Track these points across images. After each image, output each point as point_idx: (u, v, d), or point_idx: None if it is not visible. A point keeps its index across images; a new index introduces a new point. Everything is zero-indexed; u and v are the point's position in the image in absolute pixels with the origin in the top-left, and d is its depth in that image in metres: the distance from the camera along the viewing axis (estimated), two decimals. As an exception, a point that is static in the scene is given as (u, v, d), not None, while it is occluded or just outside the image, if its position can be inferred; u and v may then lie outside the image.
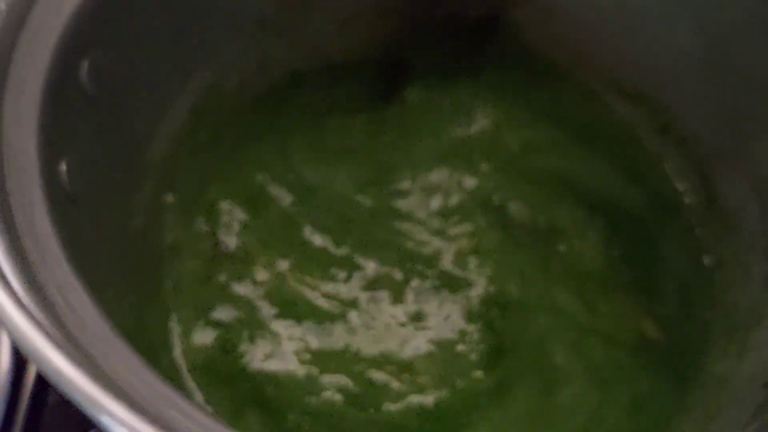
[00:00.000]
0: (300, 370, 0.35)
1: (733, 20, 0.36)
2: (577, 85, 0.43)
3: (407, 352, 0.36)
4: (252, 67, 0.41)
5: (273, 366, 0.35)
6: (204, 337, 0.36)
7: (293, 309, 0.37)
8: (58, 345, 0.20)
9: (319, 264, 0.38)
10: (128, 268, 0.35)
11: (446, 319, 0.37)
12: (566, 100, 0.43)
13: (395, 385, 0.35)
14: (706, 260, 0.40)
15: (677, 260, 0.40)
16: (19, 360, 0.39)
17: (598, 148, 0.42)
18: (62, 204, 0.27)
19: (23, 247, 0.24)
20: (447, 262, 0.39)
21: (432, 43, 0.44)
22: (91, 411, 0.19)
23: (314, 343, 0.36)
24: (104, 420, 0.19)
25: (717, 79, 0.38)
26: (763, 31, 0.35)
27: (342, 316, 0.37)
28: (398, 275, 0.38)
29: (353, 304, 0.37)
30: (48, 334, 0.20)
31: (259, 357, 0.36)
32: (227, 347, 0.36)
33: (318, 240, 0.39)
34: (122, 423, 0.19)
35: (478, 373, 0.36)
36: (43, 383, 0.39)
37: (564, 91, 0.43)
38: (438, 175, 0.41)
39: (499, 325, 0.37)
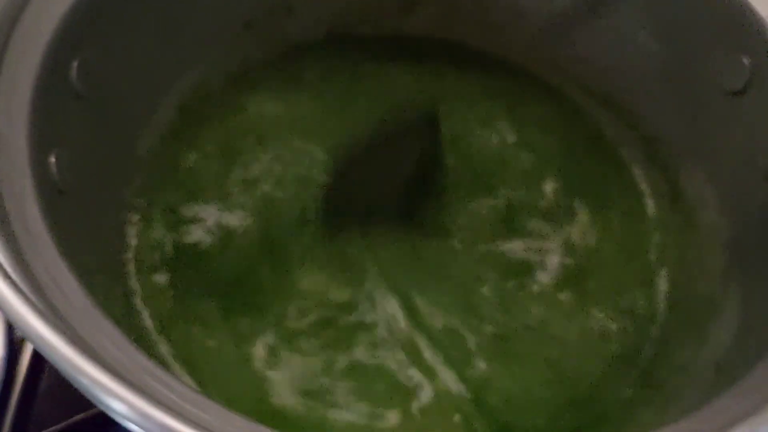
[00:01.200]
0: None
1: (690, 23, 0.37)
2: (544, 87, 0.45)
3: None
4: (237, 67, 0.43)
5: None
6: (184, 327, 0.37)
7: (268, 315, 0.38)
8: (45, 317, 0.22)
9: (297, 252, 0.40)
10: (114, 259, 0.37)
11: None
12: (533, 102, 0.45)
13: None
14: (669, 255, 0.41)
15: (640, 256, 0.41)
16: (13, 349, 0.40)
17: (564, 148, 0.44)
18: (51, 194, 0.29)
19: (13, 231, 0.26)
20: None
21: (412, 50, 0.46)
22: (71, 374, 0.21)
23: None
24: (83, 382, 0.21)
25: (678, 80, 0.39)
26: (719, 32, 0.36)
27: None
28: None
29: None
30: (35, 308, 0.22)
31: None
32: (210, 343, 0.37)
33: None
34: (101, 386, 0.21)
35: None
36: (35, 371, 0.41)
37: (531, 93, 0.45)
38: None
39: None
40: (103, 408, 0.22)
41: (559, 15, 0.42)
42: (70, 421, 0.39)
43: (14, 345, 0.40)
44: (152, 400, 0.22)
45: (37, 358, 0.41)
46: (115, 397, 0.21)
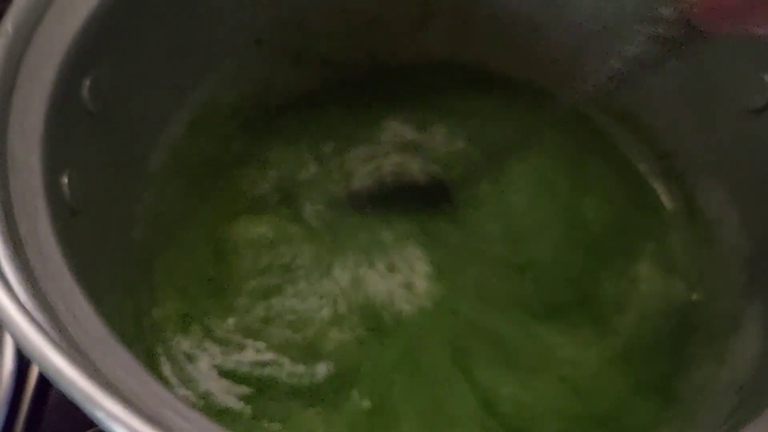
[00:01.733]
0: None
1: (712, 40, 0.37)
2: (562, 104, 0.44)
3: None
4: (248, 84, 0.43)
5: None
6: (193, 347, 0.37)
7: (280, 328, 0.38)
8: (59, 347, 0.21)
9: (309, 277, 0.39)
10: (126, 277, 0.36)
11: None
12: (551, 118, 0.44)
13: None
14: (688, 272, 0.41)
15: (660, 273, 0.41)
16: (22, 362, 0.40)
17: (584, 164, 0.44)
18: (64, 215, 0.28)
19: (26, 255, 0.25)
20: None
21: (425, 61, 0.46)
22: (87, 408, 0.21)
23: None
24: (99, 416, 0.21)
25: (698, 97, 0.39)
26: (740, 50, 0.36)
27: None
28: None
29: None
30: (49, 338, 0.21)
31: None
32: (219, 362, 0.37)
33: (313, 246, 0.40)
34: (116, 419, 0.21)
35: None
36: (44, 384, 0.41)
37: (550, 109, 0.44)
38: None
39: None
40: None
41: (574, 31, 0.41)
42: (80, 435, 0.39)
43: (23, 359, 0.40)
44: (163, 428, 0.22)
45: (47, 373, 0.41)
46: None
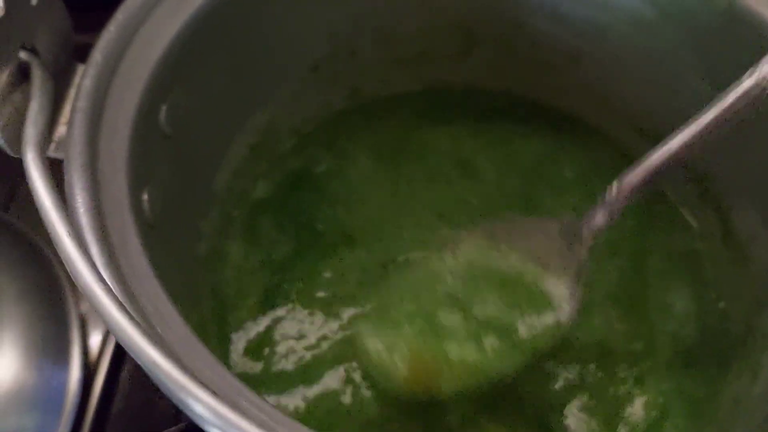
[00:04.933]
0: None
1: (736, 64, 0.38)
2: (600, 129, 0.47)
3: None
4: (305, 108, 0.45)
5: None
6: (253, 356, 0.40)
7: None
8: (153, 341, 0.24)
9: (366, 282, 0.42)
10: (192, 290, 0.39)
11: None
12: (587, 143, 0.47)
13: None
14: (723, 290, 0.42)
15: (696, 295, 0.43)
16: (88, 372, 0.42)
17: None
18: (145, 228, 0.31)
19: (118, 261, 0.28)
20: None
21: (472, 85, 0.48)
22: (180, 396, 0.23)
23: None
24: (190, 403, 0.23)
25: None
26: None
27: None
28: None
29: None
30: (145, 333, 0.24)
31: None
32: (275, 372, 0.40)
33: (368, 264, 0.43)
34: (205, 405, 0.23)
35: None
36: (108, 394, 0.43)
37: (587, 135, 0.47)
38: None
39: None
40: (198, 421, 0.24)
41: (613, 59, 0.43)
42: (142, 443, 0.41)
43: (89, 368, 0.43)
44: (243, 414, 0.24)
45: (110, 382, 0.43)
46: (211, 411, 0.23)
